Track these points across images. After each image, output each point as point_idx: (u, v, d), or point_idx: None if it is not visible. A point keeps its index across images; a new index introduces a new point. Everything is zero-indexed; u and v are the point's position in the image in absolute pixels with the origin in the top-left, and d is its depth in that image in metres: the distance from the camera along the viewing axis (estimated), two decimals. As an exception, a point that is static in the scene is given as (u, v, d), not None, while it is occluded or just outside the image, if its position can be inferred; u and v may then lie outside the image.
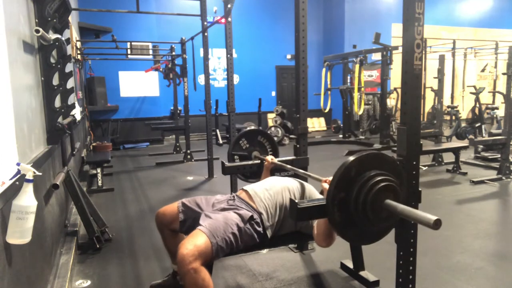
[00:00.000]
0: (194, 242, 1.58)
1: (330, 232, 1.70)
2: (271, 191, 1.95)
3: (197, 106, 8.05)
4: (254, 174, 2.73)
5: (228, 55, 3.98)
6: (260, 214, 1.86)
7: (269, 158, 2.53)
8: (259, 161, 2.68)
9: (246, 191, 1.99)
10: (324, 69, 7.66)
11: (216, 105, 7.82)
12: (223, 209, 1.89)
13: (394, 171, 1.49)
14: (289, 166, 2.43)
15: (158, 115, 8.77)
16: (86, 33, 7.70)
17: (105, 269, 2.54)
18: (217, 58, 9.77)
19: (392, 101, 9.45)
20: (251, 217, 1.80)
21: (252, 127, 7.15)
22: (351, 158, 1.44)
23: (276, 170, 2.59)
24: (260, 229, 1.82)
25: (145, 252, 2.80)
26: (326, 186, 1.78)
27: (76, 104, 4.50)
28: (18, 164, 1.47)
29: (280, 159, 2.59)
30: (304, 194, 2.01)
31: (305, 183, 2.12)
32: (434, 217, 1.21)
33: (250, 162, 2.69)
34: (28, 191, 1.45)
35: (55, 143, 2.44)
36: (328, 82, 7.75)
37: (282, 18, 10.10)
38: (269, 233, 1.86)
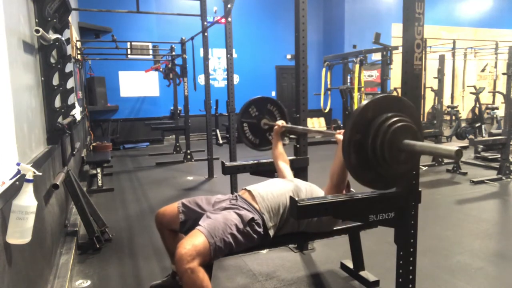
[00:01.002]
0: (192, 242, 1.58)
1: (344, 176, 1.79)
2: (275, 192, 1.94)
3: (197, 106, 8.05)
4: (263, 137, 2.74)
5: (228, 55, 3.97)
6: (262, 215, 1.85)
7: (280, 122, 2.52)
8: (258, 161, 2.68)
9: (249, 191, 1.98)
10: (324, 69, 7.66)
11: (216, 105, 7.81)
12: (225, 208, 1.88)
13: (412, 115, 1.45)
14: (300, 127, 2.42)
15: (158, 115, 8.77)
16: (86, 33, 7.70)
17: (105, 269, 2.54)
18: (217, 58, 9.77)
19: (392, 101, 9.44)
20: (252, 219, 1.79)
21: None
22: (368, 100, 1.41)
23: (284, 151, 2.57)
24: (260, 230, 1.81)
25: (145, 252, 2.80)
26: (340, 137, 1.78)
27: (76, 104, 4.50)
28: (18, 164, 1.47)
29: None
30: (307, 194, 2.00)
31: (309, 183, 2.11)
32: (455, 148, 1.18)
33: (250, 162, 2.69)
34: (28, 191, 1.45)
35: (55, 143, 2.44)
36: (328, 82, 7.74)
37: (282, 18, 10.09)
38: (271, 233, 1.86)
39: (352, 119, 1.39)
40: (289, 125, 2.51)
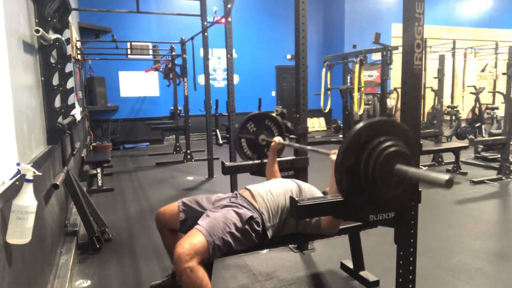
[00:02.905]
0: (191, 241, 1.58)
1: None
2: (274, 192, 1.94)
3: (197, 106, 8.05)
4: (261, 153, 2.75)
5: (228, 55, 3.97)
6: (261, 214, 1.85)
7: (276, 139, 2.53)
8: (259, 161, 2.68)
9: (249, 190, 1.99)
10: (324, 69, 7.66)
11: (216, 105, 7.81)
12: (224, 206, 1.88)
13: (405, 139, 1.45)
14: (297, 145, 2.43)
15: (158, 115, 8.77)
16: (86, 33, 7.70)
17: (105, 269, 2.54)
18: (217, 58, 9.77)
19: (392, 101, 9.45)
20: (251, 217, 1.79)
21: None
22: (361, 124, 1.40)
23: (280, 170, 2.58)
24: (259, 229, 1.82)
25: (145, 252, 2.80)
26: (334, 157, 1.77)
27: (76, 104, 4.50)
28: (18, 164, 1.47)
29: (280, 159, 2.59)
30: (306, 196, 2.00)
31: (308, 184, 2.11)
32: (446, 177, 1.18)
33: (250, 162, 2.69)
34: (28, 191, 1.45)
35: (55, 143, 2.43)
36: (328, 82, 7.74)
37: (282, 18, 10.10)
38: (269, 233, 1.85)
39: (345, 143, 1.39)
40: (286, 142, 2.53)
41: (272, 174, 2.42)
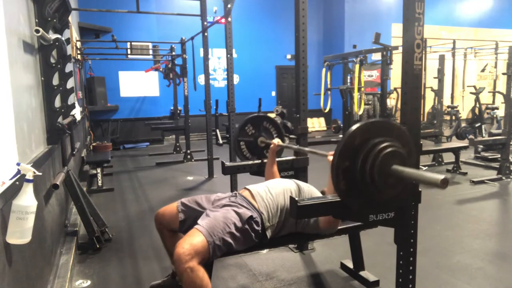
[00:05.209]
0: (191, 241, 1.58)
1: None
2: (273, 192, 1.94)
3: (197, 106, 8.05)
4: (261, 155, 2.75)
5: (228, 55, 3.97)
6: (260, 213, 1.85)
7: (275, 141, 2.53)
8: (259, 161, 2.68)
9: (248, 190, 1.99)
10: (324, 69, 7.65)
11: (216, 105, 7.81)
12: (224, 206, 1.88)
13: (401, 139, 1.46)
14: (295, 146, 2.44)
15: (158, 115, 8.77)
16: (86, 33, 7.70)
17: (105, 269, 2.54)
18: (217, 58, 9.77)
19: (392, 101, 9.45)
20: (251, 217, 1.79)
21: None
22: (355, 126, 1.40)
23: (279, 170, 2.58)
24: (259, 228, 1.82)
25: (145, 252, 2.80)
26: (331, 159, 1.77)
27: (76, 104, 4.50)
28: (18, 164, 1.47)
29: (280, 159, 2.59)
30: (305, 195, 2.00)
31: (307, 184, 2.11)
32: (441, 176, 1.19)
33: (250, 162, 2.69)
34: (28, 191, 1.45)
35: (55, 143, 2.44)
36: (328, 82, 7.73)
37: (282, 18, 10.10)
38: (268, 233, 1.85)
39: (339, 146, 1.39)
40: (285, 144, 2.53)
41: (272, 175, 2.42)
